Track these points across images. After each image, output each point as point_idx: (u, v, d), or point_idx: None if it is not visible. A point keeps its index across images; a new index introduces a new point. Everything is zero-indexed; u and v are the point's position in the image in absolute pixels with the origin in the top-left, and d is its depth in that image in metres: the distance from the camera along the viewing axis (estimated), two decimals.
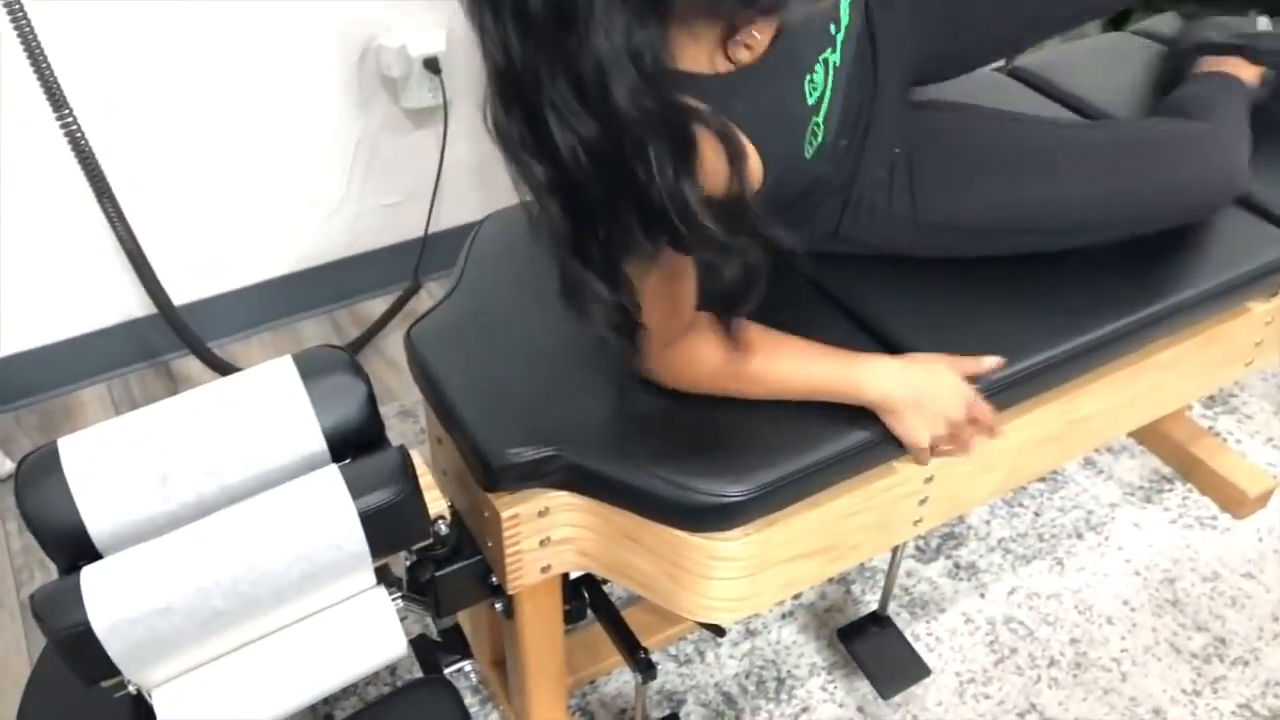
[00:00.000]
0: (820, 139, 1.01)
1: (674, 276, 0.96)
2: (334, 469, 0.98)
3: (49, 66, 1.48)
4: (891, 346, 1.13)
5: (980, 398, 1.07)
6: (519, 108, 0.80)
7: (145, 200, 1.78)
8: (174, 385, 1.97)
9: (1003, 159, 1.18)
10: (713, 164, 0.84)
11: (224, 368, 1.91)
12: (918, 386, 1.05)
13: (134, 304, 1.92)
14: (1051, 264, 1.20)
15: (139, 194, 1.77)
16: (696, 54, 0.87)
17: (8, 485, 1.78)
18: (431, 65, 1.87)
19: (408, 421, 1.87)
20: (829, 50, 1.00)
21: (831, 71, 1.00)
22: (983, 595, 1.61)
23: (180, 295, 1.88)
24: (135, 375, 1.98)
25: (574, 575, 1.27)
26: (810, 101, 0.98)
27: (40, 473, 1.00)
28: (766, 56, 0.91)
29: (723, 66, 0.88)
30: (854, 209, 1.16)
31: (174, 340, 1.89)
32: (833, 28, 1.00)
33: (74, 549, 0.99)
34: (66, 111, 1.52)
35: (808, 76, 0.97)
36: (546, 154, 0.80)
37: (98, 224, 1.77)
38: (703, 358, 1.02)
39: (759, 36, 0.88)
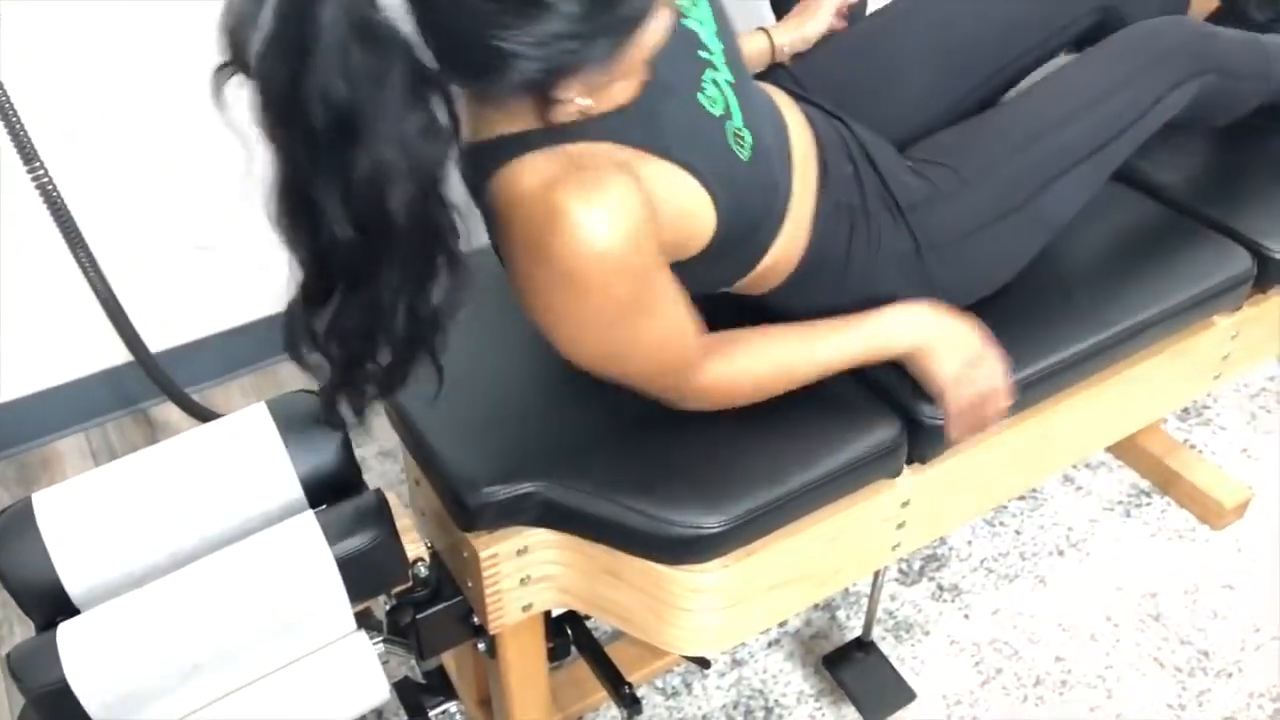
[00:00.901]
0: (750, 141, 1.01)
1: (647, 312, 0.96)
2: (310, 515, 0.98)
3: (19, 119, 1.48)
4: (869, 380, 1.14)
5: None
6: (298, 209, 0.83)
7: (119, 248, 1.78)
8: (153, 433, 1.96)
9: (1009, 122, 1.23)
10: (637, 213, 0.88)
11: (203, 414, 1.90)
12: (955, 329, 1.08)
13: (111, 352, 1.91)
14: (1018, 286, 1.22)
15: (112, 242, 1.77)
16: (528, 115, 0.90)
17: None
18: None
19: (388, 462, 1.86)
20: (709, 71, 1.01)
21: (727, 86, 1.02)
22: (966, 616, 1.61)
23: (157, 342, 1.88)
24: (114, 424, 1.98)
25: (556, 612, 1.26)
26: (716, 112, 0.99)
27: (15, 530, 0.99)
28: (639, 95, 0.94)
29: (595, 109, 0.90)
30: (912, 210, 1.17)
31: (152, 388, 1.88)
32: (702, 53, 1.01)
33: (51, 605, 0.99)
34: (38, 164, 1.52)
35: (698, 93, 0.98)
36: (315, 254, 0.85)
37: (72, 274, 1.77)
38: (736, 373, 1.04)
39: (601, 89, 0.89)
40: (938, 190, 1.16)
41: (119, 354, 1.90)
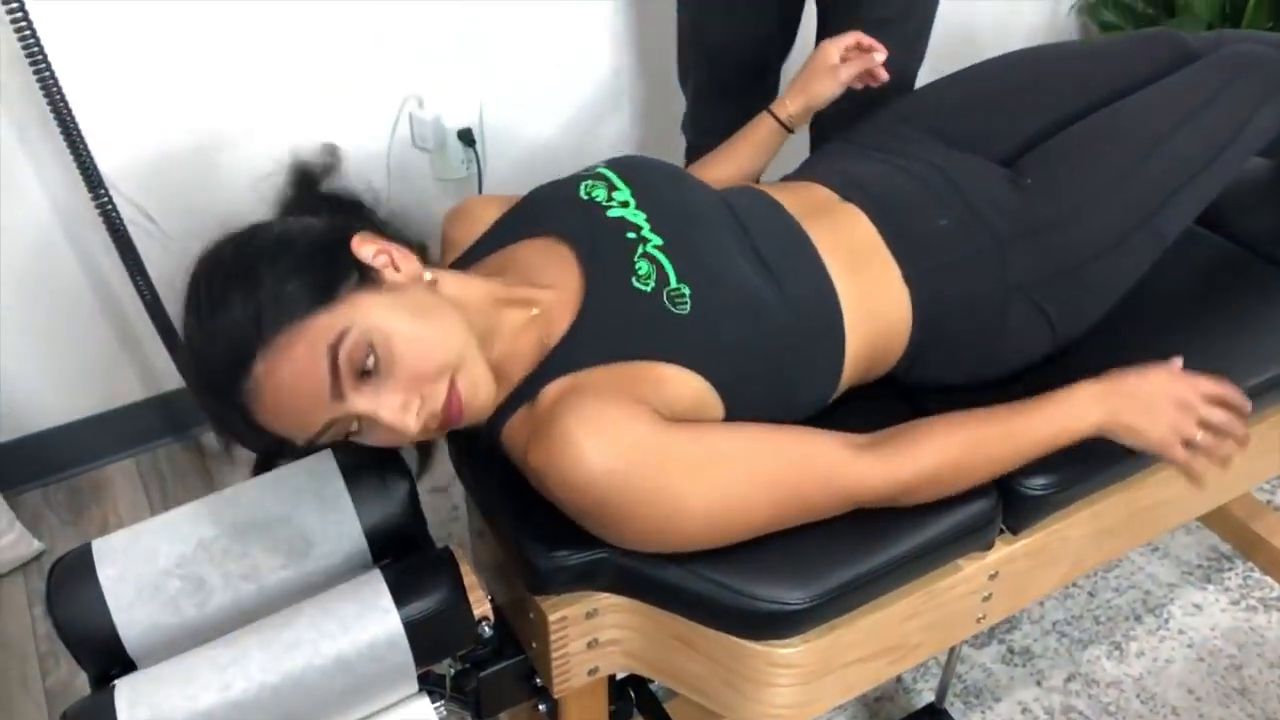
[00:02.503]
0: (689, 291, 0.98)
1: (710, 468, 0.92)
2: (377, 574, 0.94)
3: (86, 148, 1.47)
4: None
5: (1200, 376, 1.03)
6: None
7: (175, 274, 1.76)
8: (203, 460, 1.94)
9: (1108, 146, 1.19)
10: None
11: None
12: (1133, 389, 1.01)
13: (163, 378, 1.90)
14: (1118, 357, 1.16)
15: (169, 268, 1.75)
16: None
17: (35, 566, 1.74)
18: (465, 137, 1.86)
19: (440, 498, 1.83)
20: (639, 248, 1.01)
21: (657, 251, 1.00)
22: (1039, 683, 1.54)
23: None
24: (164, 450, 1.96)
25: (620, 674, 1.22)
26: (648, 289, 0.98)
27: (73, 578, 0.96)
28: (576, 318, 0.99)
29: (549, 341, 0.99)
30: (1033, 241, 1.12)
31: (201, 415, 1.86)
32: (629, 234, 1.02)
33: (106, 657, 0.95)
34: (103, 192, 1.51)
35: (632, 279, 0.99)
36: None
37: (127, 299, 1.76)
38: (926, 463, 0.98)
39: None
40: (1064, 209, 1.12)
41: (170, 380, 1.88)
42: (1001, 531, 1.09)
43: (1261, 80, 1.22)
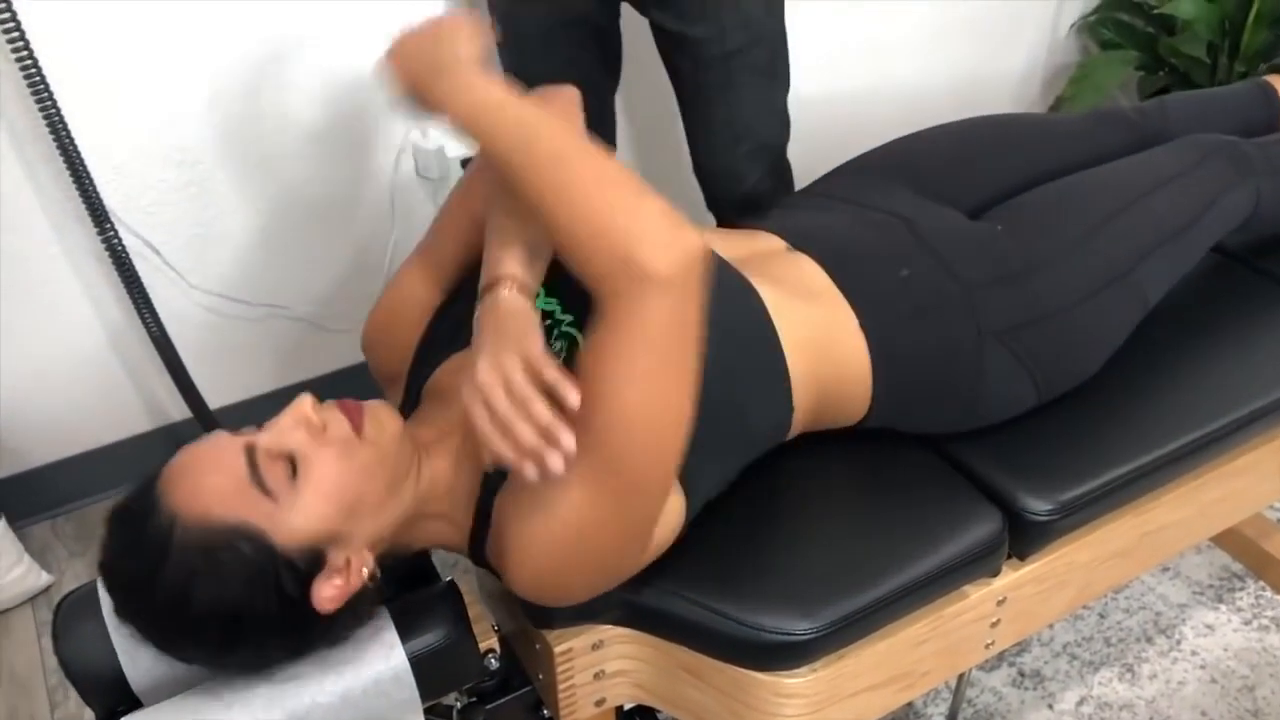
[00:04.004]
0: None
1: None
2: (383, 611, 0.94)
3: (93, 184, 1.48)
4: (968, 472, 1.09)
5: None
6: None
7: (181, 309, 1.78)
8: None
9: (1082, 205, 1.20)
10: None
11: None
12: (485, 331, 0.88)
13: (169, 410, 1.90)
14: (1124, 378, 1.16)
15: (175, 304, 1.76)
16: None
17: (44, 598, 1.74)
18: (468, 165, 1.86)
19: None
20: (556, 330, 0.99)
21: (579, 329, 0.97)
22: (1050, 706, 1.53)
23: (214, 400, 1.86)
24: None
25: (627, 705, 1.21)
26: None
27: (78, 615, 0.96)
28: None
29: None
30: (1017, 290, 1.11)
31: None
32: (546, 322, 0.98)
33: (111, 695, 0.95)
34: (108, 226, 1.51)
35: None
36: None
37: (132, 332, 1.76)
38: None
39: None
40: (1036, 257, 1.12)
41: (176, 411, 1.89)
42: (1009, 557, 1.08)
43: (1230, 163, 1.25)
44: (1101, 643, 1.62)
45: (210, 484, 0.83)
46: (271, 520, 0.83)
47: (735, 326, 0.99)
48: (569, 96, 1.03)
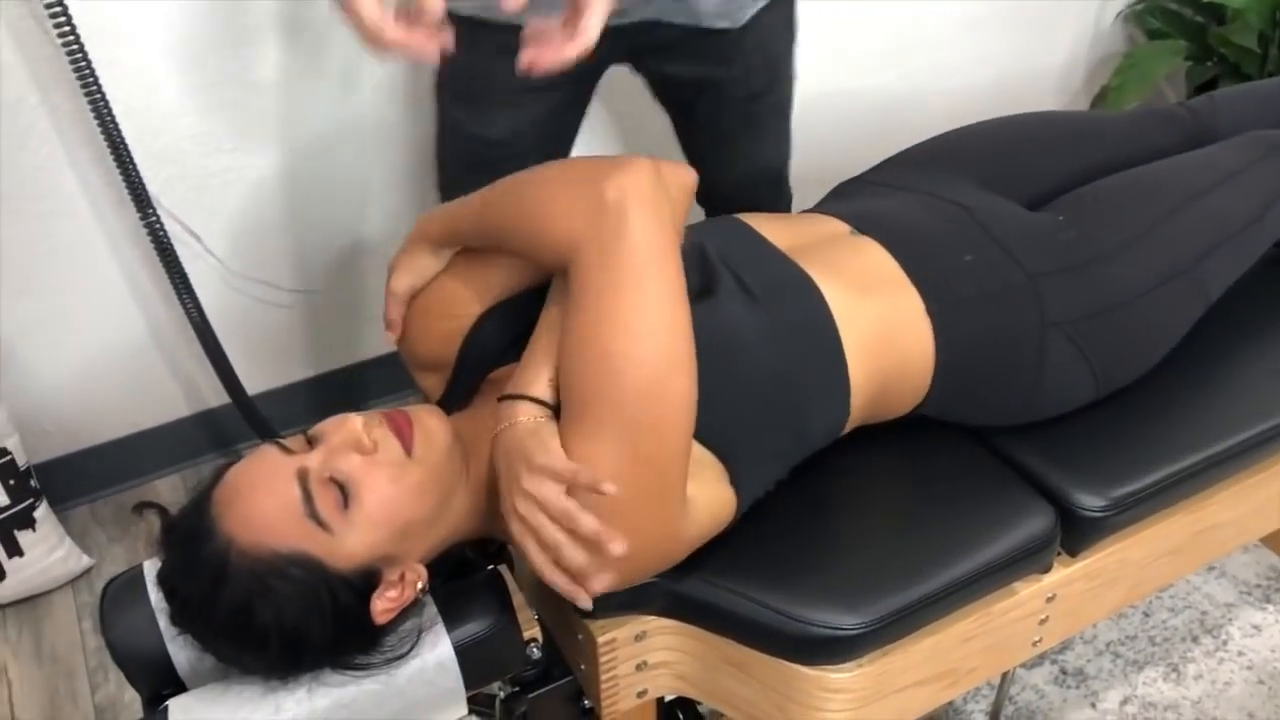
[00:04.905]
0: None
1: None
2: (427, 600, 0.93)
3: (134, 165, 1.49)
4: (1018, 466, 1.06)
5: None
6: None
7: (219, 295, 1.78)
8: None
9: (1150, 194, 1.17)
10: None
11: None
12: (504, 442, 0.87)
13: (207, 394, 1.91)
14: (1178, 372, 1.14)
15: (214, 289, 1.77)
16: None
17: (84, 581, 1.76)
18: None
19: None
20: None
21: None
22: (1094, 705, 1.51)
23: (252, 387, 1.87)
24: (209, 465, 1.97)
25: (668, 695, 1.20)
26: None
27: (124, 598, 0.96)
28: None
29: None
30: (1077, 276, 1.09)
31: (246, 430, 1.87)
32: None
33: (157, 677, 0.95)
34: (150, 211, 1.52)
35: None
36: None
37: (170, 316, 1.77)
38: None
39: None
40: (1100, 248, 1.10)
41: (214, 396, 1.90)
42: (1059, 554, 1.06)
43: None
44: (1146, 641, 1.59)
45: (265, 511, 0.83)
46: (327, 549, 0.84)
47: (795, 328, 0.97)
48: None
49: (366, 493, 0.85)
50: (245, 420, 1.84)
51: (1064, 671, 1.56)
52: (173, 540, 0.87)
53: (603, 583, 0.82)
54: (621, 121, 1.95)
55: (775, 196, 1.53)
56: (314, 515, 0.83)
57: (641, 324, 0.82)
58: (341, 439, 0.86)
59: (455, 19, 0.90)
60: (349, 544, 0.84)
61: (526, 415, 0.87)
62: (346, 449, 0.86)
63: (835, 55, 2.10)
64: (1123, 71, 2.30)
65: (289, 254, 1.84)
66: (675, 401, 0.84)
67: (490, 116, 1.31)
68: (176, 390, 1.89)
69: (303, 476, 0.84)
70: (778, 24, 1.33)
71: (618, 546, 0.79)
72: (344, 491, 0.84)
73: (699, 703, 1.23)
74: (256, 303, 1.85)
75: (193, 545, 0.84)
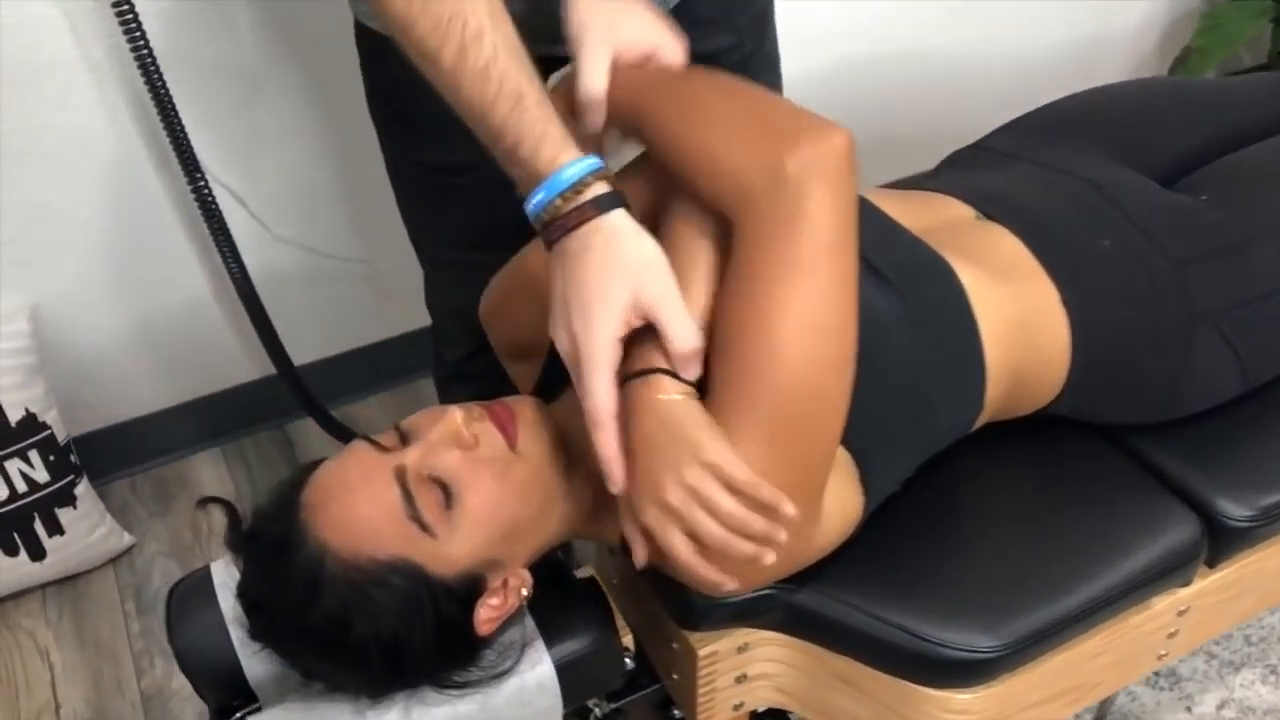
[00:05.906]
0: None
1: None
2: (525, 614, 0.86)
3: (184, 131, 1.40)
4: (1156, 470, 0.98)
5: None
6: None
7: (264, 262, 1.70)
8: (290, 450, 1.88)
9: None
10: None
11: (341, 431, 1.81)
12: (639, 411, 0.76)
13: (249, 367, 1.84)
14: None
15: (259, 256, 1.69)
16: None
17: (125, 560, 1.70)
18: None
19: None
20: None
21: None
22: (1189, 709, 1.43)
23: (297, 357, 1.79)
24: (250, 440, 1.90)
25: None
26: None
27: (192, 603, 0.89)
28: None
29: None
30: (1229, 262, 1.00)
31: (289, 404, 1.80)
32: None
33: (226, 689, 0.89)
34: (199, 175, 1.44)
35: None
36: None
37: (211, 289, 1.70)
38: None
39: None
40: (1252, 229, 1.00)
41: (257, 369, 1.82)
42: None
43: None
44: (1242, 641, 1.51)
45: (364, 516, 0.75)
46: (429, 555, 0.76)
47: (931, 314, 0.89)
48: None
49: (470, 491, 0.77)
50: (291, 392, 1.76)
51: (1157, 674, 1.48)
52: (257, 549, 0.79)
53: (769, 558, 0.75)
54: None
55: None
56: (416, 517, 0.75)
57: (815, 320, 0.74)
58: (440, 434, 0.78)
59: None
60: (452, 548, 0.76)
61: (668, 393, 0.75)
62: (446, 444, 0.78)
63: (897, 12, 1.99)
64: (1205, 33, 2.18)
65: (337, 222, 1.75)
66: (834, 404, 0.76)
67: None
68: (219, 361, 1.82)
69: (401, 475, 0.76)
70: None
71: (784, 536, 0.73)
72: (445, 491, 0.77)
73: (789, 713, 1.17)
74: (302, 270, 1.77)
75: (281, 554, 0.76)
